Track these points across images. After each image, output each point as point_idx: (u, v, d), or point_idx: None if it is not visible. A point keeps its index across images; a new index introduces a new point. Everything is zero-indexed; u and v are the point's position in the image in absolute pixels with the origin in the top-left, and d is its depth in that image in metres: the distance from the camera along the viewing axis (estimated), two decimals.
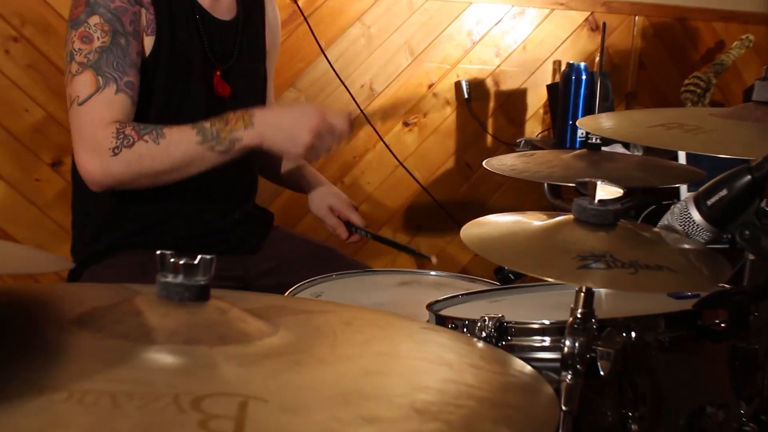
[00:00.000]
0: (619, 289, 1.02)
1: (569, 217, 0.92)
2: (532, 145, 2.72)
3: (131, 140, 1.53)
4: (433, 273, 1.74)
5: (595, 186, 0.89)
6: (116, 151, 1.53)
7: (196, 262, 0.73)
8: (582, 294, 0.89)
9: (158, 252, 0.73)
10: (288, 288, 1.55)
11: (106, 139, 1.53)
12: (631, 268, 0.80)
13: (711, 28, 3.08)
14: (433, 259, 1.58)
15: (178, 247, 1.66)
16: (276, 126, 1.58)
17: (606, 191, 0.89)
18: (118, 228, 1.71)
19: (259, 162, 1.92)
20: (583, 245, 0.86)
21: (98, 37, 1.55)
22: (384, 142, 2.72)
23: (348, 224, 1.87)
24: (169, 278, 0.73)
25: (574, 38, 2.96)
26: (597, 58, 2.40)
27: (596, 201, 0.89)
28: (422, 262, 2.89)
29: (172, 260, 0.73)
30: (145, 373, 0.63)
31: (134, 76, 1.58)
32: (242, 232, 1.83)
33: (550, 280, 0.84)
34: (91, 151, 1.54)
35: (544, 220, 0.98)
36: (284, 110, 1.65)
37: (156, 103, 1.65)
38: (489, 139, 2.92)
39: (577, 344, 0.89)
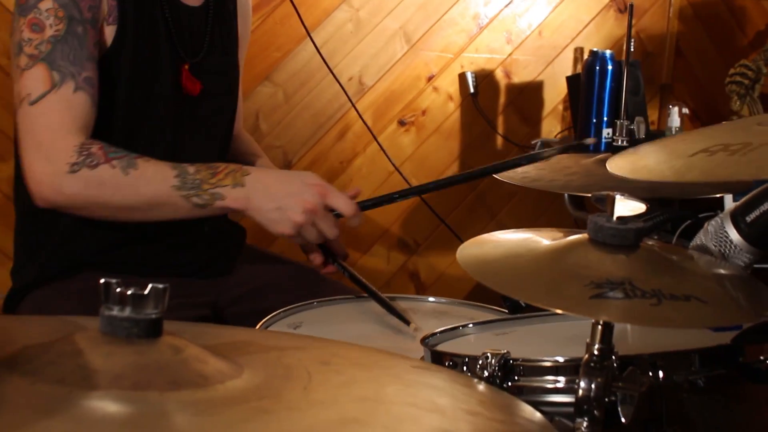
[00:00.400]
0: (638, 323, 1.03)
1: (583, 236, 0.93)
2: (549, 146, 2.73)
3: (96, 160, 1.53)
4: (431, 299, 1.75)
5: (613, 200, 0.90)
6: (75, 168, 1.52)
7: (146, 292, 0.74)
8: (599, 327, 0.90)
9: (102, 280, 0.74)
10: (264, 316, 1.56)
11: (66, 151, 1.53)
12: (653, 299, 0.81)
13: (761, 8, 3.10)
14: (411, 327, 1.53)
15: (140, 268, 1.70)
16: (267, 193, 1.56)
17: (627, 207, 0.90)
18: (72, 247, 1.72)
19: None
20: (598, 270, 0.86)
21: (51, 25, 1.56)
22: (379, 143, 2.73)
23: (325, 251, 1.79)
24: (115, 311, 0.74)
25: (599, 21, 2.98)
26: (625, 45, 2.42)
27: (615, 218, 0.90)
28: (419, 285, 2.90)
29: (117, 290, 0.74)
30: (85, 424, 0.64)
31: (93, 71, 1.58)
32: (212, 251, 1.84)
33: (559, 311, 0.85)
34: (44, 160, 1.54)
35: (558, 238, 0.99)
36: (282, 176, 1.62)
37: (117, 105, 1.66)
38: (499, 140, 2.93)
39: (593, 386, 0.90)
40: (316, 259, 1.79)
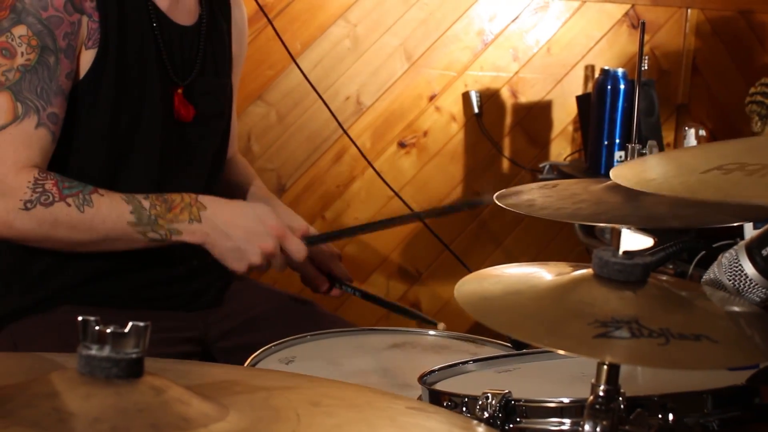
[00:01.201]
0: (644, 364, 1.03)
1: (588, 272, 0.94)
2: (558, 170, 2.75)
3: (50, 198, 1.57)
4: (432, 333, 1.76)
5: (619, 234, 0.91)
6: (29, 205, 1.56)
7: (126, 330, 0.75)
8: (605, 367, 0.91)
9: (80, 318, 0.75)
10: (255, 350, 1.57)
11: (19, 187, 1.55)
12: (661, 338, 0.82)
13: None
14: (440, 326, 1.60)
15: (124, 301, 1.71)
16: (225, 232, 1.64)
17: (634, 240, 0.91)
18: (52, 279, 1.73)
19: (219, 194, 1.94)
20: (603, 308, 0.87)
21: (22, 53, 1.57)
22: (374, 169, 2.74)
23: (329, 276, 1.89)
24: (93, 350, 0.74)
25: (611, 38, 3.00)
26: (638, 63, 2.43)
27: (621, 252, 0.91)
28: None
29: (96, 328, 0.74)
30: None
31: (59, 107, 1.61)
32: (200, 282, 1.85)
33: (561, 352, 0.86)
34: None
35: (563, 273, 1.00)
36: (240, 211, 1.69)
37: (100, 131, 1.67)
38: (505, 163, 2.94)
39: (598, 429, 0.90)
40: (322, 285, 1.87)
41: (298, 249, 1.68)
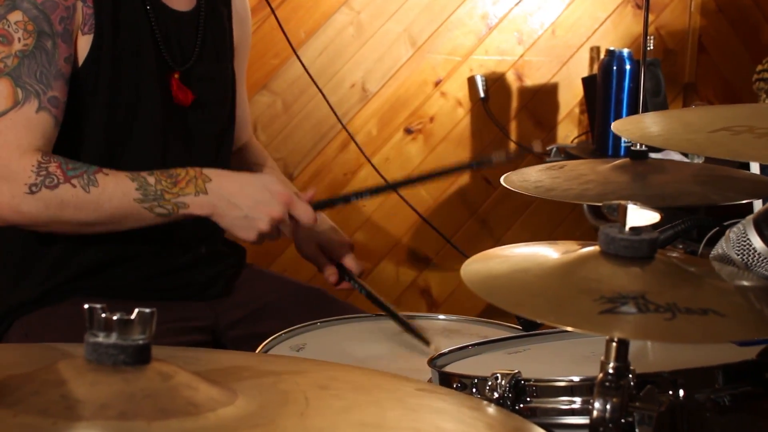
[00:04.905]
0: (651, 339, 1.03)
1: (595, 249, 0.93)
2: (566, 153, 2.74)
3: (55, 180, 1.57)
4: (441, 317, 1.76)
5: (625, 210, 0.90)
6: (34, 189, 1.56)
7: (132, 317, 0.75)
8: (614, 344, 0.90)
9: (86, 306, 0.75)
10: (266, 338, 1.57)
11: (24, 172, 1.56)
12: (668, 313, 0.82)
13: None
14: (433, 347, 1.56)
15: (134, 291, 1.71)
16: (232, 202, 1.63)
17: (640, 216, 0.91)
18: (62, 270, 1.74)
19: None
20: (610, 284, 0.87)
21: (19, 39, 1.58)
22: (372, 165, 2.73)
23: (340, 267, 1.88)
24: (100, 338, 0.74)
25: (616, 19, 2.98)
26: (642, 42, 2.42)
27: (627, 229, 0.91)
28: (431, 302, 2.91)
29: (103, 315, 0.75)
30: None
31: (60, 90, 1.61)
32: (210, 271, 1.85)
33: (568, 328, 0.86)
34: (1, 179, 1.57)
35: (570, 251, 0.99)
36: (246, 183, 1.68)
37: (99, 117, 1.68)
38: (512, 147, 2.94)
39: (608, 406, 0.90)
40: (332, 276, 1.86)
41: (306, 213, 1.67)
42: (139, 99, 1.71)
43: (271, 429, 0.72)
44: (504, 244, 1.09)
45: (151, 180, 1.60)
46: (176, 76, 1.75)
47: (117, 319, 0.74)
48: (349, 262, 1.87)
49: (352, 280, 1.86)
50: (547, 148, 2.79)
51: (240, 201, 1.63)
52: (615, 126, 1.33)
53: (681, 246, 2.25)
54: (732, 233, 1.04)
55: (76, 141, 1.65)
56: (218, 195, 1.62)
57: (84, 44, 1.65)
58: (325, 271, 1.87)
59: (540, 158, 2.82)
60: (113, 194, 1.59)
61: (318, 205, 1.73)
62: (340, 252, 1.89)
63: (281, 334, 1.60)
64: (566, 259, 0.95)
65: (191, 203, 1.62)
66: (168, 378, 0.75)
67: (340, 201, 1.86)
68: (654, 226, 0.92)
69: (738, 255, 1.01)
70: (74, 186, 1.57)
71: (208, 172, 1.64)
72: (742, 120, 1.14)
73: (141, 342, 0.75)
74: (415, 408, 0.84)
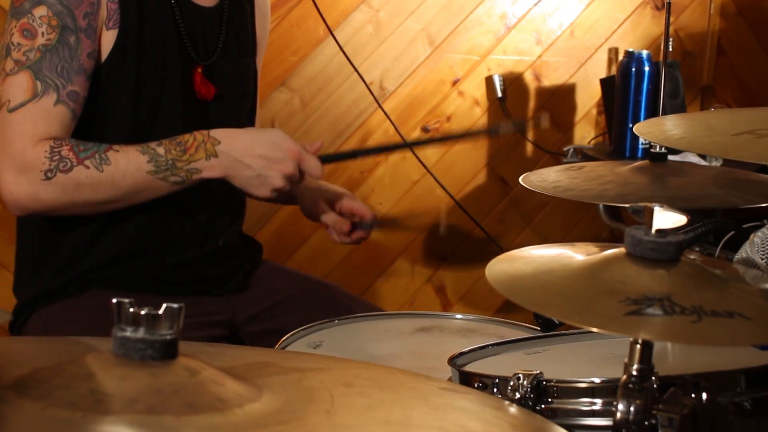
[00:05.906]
0: (677, 341, 1.03)
1: (620, 250, 0.93)
2: (582, 154, 2.74)
3: (68, 164, 1.58)
4: (459, 316, 1.76)
5: (651, 212, 0.90)
6: (49, 174, 1.58)
7: (160, 312, 0.75)
8: (638, 346, 0.90)
9: (114, 300, 0.75)
10: (282, 335, 1.58)
11: (38, 159, 1.57)
12: (694, 315, 0.81)
13: None
14: (442, 228, 1.61)
15: (151, 285, 1.72)
16: (243, 162, 1.65)
17: (667, 218, 0.91)
18: (80, 263, 1.75)
19: None
20: (635, 286, 0.87)
21: (43, 33, 1.59)
22: (413, 151, 2.72)
23: (350, 217, 1.89)
24: (128, 332, 0.75)
25: (635, 20, 2.98)
26: (663, 44, 2.42)
27: (654, 231, 0.91)
28: (446, 301, 2.90)
29: (131, 310, 0.75)
30: None
31: (80, 85, 1.63)
32: (226, 266, 1.86)
33: (593, 329, 0.86)
34: (17, 170, 1.58)
35: (593, 253, 0.99)
36: (254, 141, 1.68)
37: (123, 111, 1.69)
38: (529, 147, 2.93)
39: (632, 408, 0.90)
40: (344, 226, 1.87)
41: (315, 166, 1.69)
42: (163, 93, 1.72)
43: (299, 426, 0.72)
44: (518, 247, 1.09)
45: (161, 150, 1.62)
46: (199, 70, 1.76)
47: (145, 314, 0.75)
48: (358, 207, 1.90)
49: (364, 224, 1.88)
50: (564, 149, 2.79)
51: (251, 161, 1.65)
52: (637, 128, 1.33)
53: (698, 249, 2.25)
54: (756, 237, 1.04)
55: (100, 134, 1.66)
56: (229, 156, 1.64)
57: (108, 39, 1.66)
58: (336, 224, 1.88)
59: (556, 156, 2.82)
60: (126, 170, 1.60)
61: (326, 159, 1.76)
62: (345, 201, 1.91)
63: (298, 331, 1.61)
64: (591, 260, 0.95)
65: (203, 168, 1.63)
66: (195, 373, 0.75)
67: (348, 156, 1.93)
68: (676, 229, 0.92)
69: (763, 259, 1.01)
70: (87, 167, 1.58)
71: (216, 133, 1.65)
72: (764, 123, 1.14)
73: (168, 337, 0.75)
74: (439, 407, 0.84)
